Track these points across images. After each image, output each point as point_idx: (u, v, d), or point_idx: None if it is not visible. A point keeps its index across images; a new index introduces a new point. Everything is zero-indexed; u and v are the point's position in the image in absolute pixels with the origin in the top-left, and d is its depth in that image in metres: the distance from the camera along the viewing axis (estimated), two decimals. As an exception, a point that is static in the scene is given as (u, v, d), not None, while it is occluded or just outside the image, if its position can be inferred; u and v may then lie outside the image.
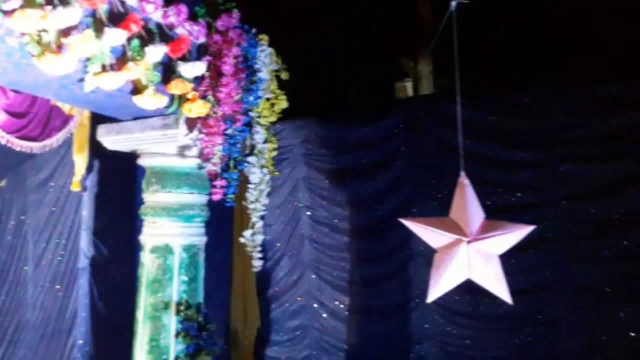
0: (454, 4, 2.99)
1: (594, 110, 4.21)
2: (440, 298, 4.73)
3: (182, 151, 3.84)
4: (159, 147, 3.89)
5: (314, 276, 5.49)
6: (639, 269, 4.17)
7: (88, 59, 3.05)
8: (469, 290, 3.80)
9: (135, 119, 3.92)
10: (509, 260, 4.47)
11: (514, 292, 4.48)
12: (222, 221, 5.18)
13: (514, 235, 2.69)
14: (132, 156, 4.19)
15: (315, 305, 5.46)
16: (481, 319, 4.66)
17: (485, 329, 4.66)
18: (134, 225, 4.63)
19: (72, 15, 2.75)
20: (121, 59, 3.19)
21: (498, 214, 4.32)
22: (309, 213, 5.52)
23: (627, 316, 4.21)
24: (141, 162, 4.11)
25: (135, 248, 4.35)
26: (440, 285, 2.75)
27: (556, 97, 4.34)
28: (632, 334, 4.20)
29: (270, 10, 5.50)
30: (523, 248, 4.40)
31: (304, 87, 5.97)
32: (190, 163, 3.93)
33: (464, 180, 2.77)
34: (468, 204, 2.69)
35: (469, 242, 2.64)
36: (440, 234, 2.72)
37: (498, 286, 2.69)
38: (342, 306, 5.36)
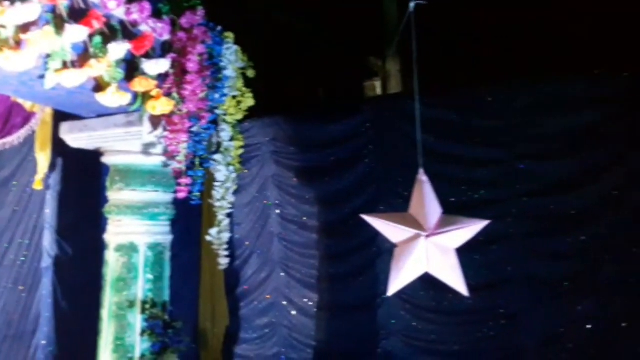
0: (412, 4, 3.08)
1: (552, 109, 4.36)
2: (406, 293, 4.94)
3: (146, 149, 3.85)
4: (123, 144, 3.89)
5: (282, 274, 5.54)
6: (595, 264, 4.35)
7: (48, 55, 3.04)
8: (433, 285, 3.90)
9: (99, 116, 3.91)
10: (472, 255, 4.67)
11: (476, 287, 4.66)
12: (190, 219, 5.19)
13: (470, 229, 2.80)
14: (96, 154, 4.17)
15: (284, 303, 5.51)
16: (445, 313, 4.79)
17: (449, 323, 4.79)
18: (99, 224, 4.60)
19: (30, 10, 2.75)
20: (83, 56, 3.19)
21: (461, 210, 4.48)
22: (277, 211, 5.57)
23: (584, 309, 4.38)
24: (105, 159, 4.10)
25: (100, 247, 4.33)
26: (400, 279, 2.85)
27: (517, 96, 4.49)
28: (589, 326, 4.37)
29: (239, 8, 5.53)
30: (485, 243, 4.61)
31: (274, 85, 6.04)
32: (155, 160, 3.94)
33: (422, 177, 2.87)
34: (426, 200, 2.78)
35: (427, 237, 2.73)
36: (400, 229, 2.81)
37: (454, 278, 2.80)
38: (310, 303, 5.43)
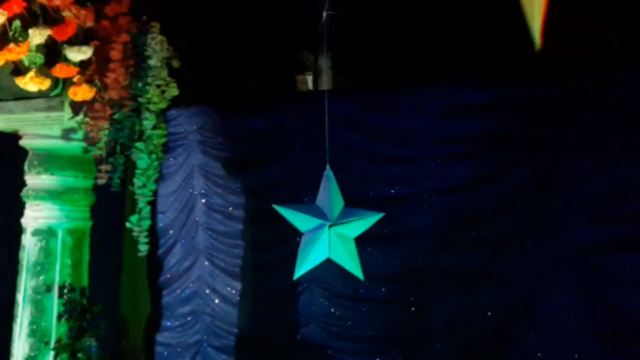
0: (324, 14, 3.43)
1: (461, 113, 4.85)
2: (326, 282, 5.34)
3: (67, 134, 4.01)
4: (43, 128, 4.03)
5: (206, 262, 5.78)
6: (495, 257, 4.89)
7: (-36, 37, 3.16)
8: (351, 274, 4.30)
9: (17, 98, 4.02)
10: (387, 246, 5.13)
11: (390, 276, 5.15)
12: (112, 206, 5.33)
13: (367, 220, 3.19)
14: (12, 136, 4.27)
15: (207, 291, 5.76)
16: (361, 300, 5.20)
17: (365, 310, 5.22)
18: (15, 207, 4.68)
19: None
20: (1, 39, 3.33)
21: (378, 204, 4.91)
22: (203, 200, 5.79)
23: (485, 298, 4.90)
24: (23, 142, 4.21)
25: (15, 230, 4.44)
26: (305, 263, 3.21)
27: (430, 100, 4.94)
28: (489, 314, 4.93)
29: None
30: (399, 236, 5.08)
31: (205, 74, 6.23)
32: (76, 146, 4.11)
33: (328, 172, 3.25)
34: (331, 193, 3.15)
35: (329, 226, 3.10)
36: (307, 218, 3.17)
37: (352, 265, 3.20)
38: (233, 291, 5.71)
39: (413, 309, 5.12)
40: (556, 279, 4.66)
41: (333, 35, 4.89)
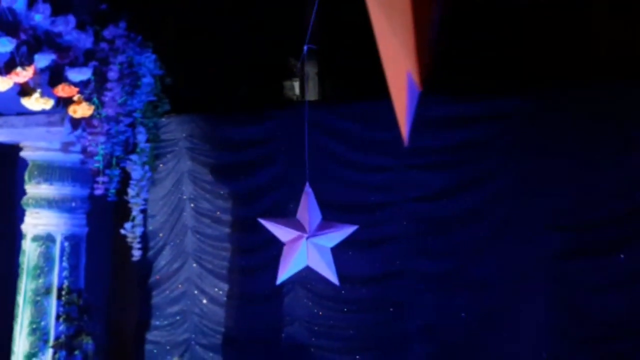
0: (305, 48, 3.93)
1: (437, 125, 5.39)
2: (310, 284, 5.90)
3: (66, 147, 4.51)
4: (43, 142, 4.52)
5: (195, 265, 6.31)
6: (468, 261, 5.46)
7: (-24, 64, 3.65)
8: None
9: (19, 113, 4.51)
10: (367, 250, 5.68)
11: (371, 279, 5.71)
12: (102, 213, 5.82)
13: (341, 232, 3.73)
14: (12, 146, 4.76)
15: (195, 292, 6.30)
16: (342, 301, 5.76)
17: (346, 311, 5.79)
18: (13, 214, 5.18)
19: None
20: (9, 63, 3.82)
21: (358, 211, 5.48)
22: (192, 205, 6.31)
23: (460, 300, 5.47)
24: (23, 154, 4.70)
25: (15, 236, 4.93)
26: (286, 271, 3.75)
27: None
28: (463, 315, 5.50)
29: (162, 9, 6.15)
30: (379, 241, 5.64)
31: (193, 81, 6.71)
32: (74, 157, 4.60)
33: (307, 189, 3.78)
34: (309, 207, 3.68)
35: (308, 238, 3.64)
36: (288, 231, 3.70)
37: (328, 272, 3.73)
38: (221, 292, 6.24)
39: (391, 309, 5.69)
40: (529, 283, 5.23)
41: (319, 44, 5.37)
